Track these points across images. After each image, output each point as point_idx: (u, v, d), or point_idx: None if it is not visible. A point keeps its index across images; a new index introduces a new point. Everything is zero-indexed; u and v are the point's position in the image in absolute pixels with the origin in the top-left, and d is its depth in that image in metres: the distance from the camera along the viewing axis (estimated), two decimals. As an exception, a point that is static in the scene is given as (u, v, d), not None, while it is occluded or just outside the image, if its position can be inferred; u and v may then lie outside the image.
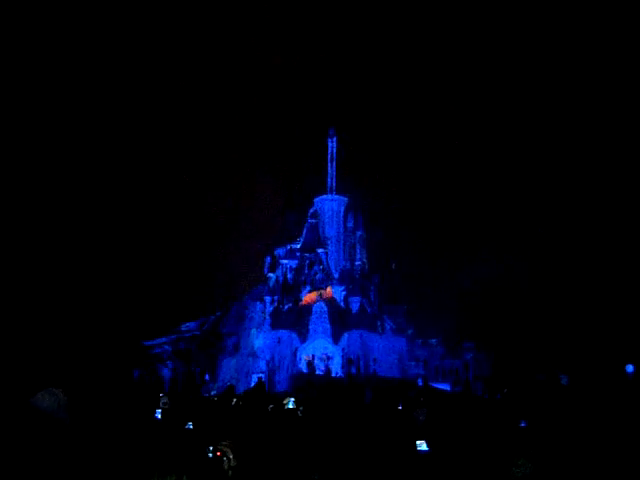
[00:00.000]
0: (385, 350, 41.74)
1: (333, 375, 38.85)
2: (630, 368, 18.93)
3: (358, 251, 49.03)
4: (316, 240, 48.36)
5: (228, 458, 3.98)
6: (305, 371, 39.51)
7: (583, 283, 42.47)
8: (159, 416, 8.12)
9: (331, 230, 50.00)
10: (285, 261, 47.71)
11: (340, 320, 43.37)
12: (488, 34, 55.58)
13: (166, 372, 40.04)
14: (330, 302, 44.33)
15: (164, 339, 42.39)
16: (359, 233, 49.42)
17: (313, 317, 42.84)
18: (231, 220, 51.29)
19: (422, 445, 5.68)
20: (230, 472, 3.92)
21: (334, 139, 51.72)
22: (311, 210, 50.18)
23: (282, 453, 4.91)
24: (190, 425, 7.82)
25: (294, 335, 41.92)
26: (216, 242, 50.50)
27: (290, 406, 12.44)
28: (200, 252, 50.36)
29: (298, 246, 48.39)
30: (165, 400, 12.02)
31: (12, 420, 3.97)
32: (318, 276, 45.78)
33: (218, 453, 3.94)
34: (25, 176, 46.37)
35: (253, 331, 42.52)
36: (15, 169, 44.52)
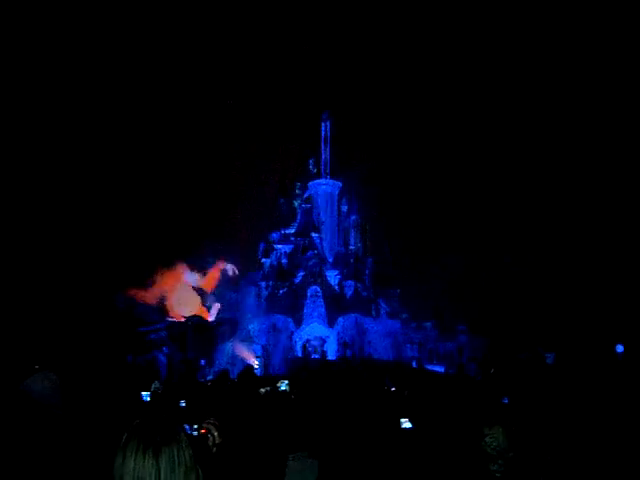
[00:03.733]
0: (380, 333, 42.00)
1: (328, 359, 39.16)
2: (620, 348, 19.09)
3: (352, 235, 49.10)
4: (310, 225, 48.37)
5: (212, 435, 4.06)
6: (300, 355, 39.80)
7: (573, 263, 42.72)
8: (147, 398, 8.21)
9: (325, 214, 50.03)
10: (279, 246, 47.77)
11: (335, 304, 43.59)
12: (484, 23, 55.30)
13: (161, 357, 40.20)
14: (325, 286, 44.53)
15: (159, 325, 42.51)
16: (353, 217, 49.45)
17: (308, 301, 43.03)
18: (224, 205, 51.18)
19: (406, 423, 5.83)
20: (214, 449, 4.00)
21: (327, 123, 51.55)
22: (305, 194, 50.15)
23: (268, 432, 5.01)
24: (183, 403, 7.97)
25: (289, 320, 42.13)
26: (210, 227, 50.40)
27: (283, 388, 12.58)
28: (194, 237, 50.26)
29: (292, 231, 48.42)
30: (157, 385, 12.13)
31: (2, 406, 3.99)
32: (312, 261, 45.87)
33: (203, 430, 4.02)
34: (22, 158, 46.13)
35: (248, 316, 42.69)
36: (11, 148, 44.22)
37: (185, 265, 48.97)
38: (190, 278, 49.24)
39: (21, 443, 3.68)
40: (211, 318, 46.32)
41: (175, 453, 2.21)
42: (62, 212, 46.00)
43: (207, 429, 4.20)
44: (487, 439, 3.03)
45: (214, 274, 50.14)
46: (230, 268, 50.38)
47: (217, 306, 47.79)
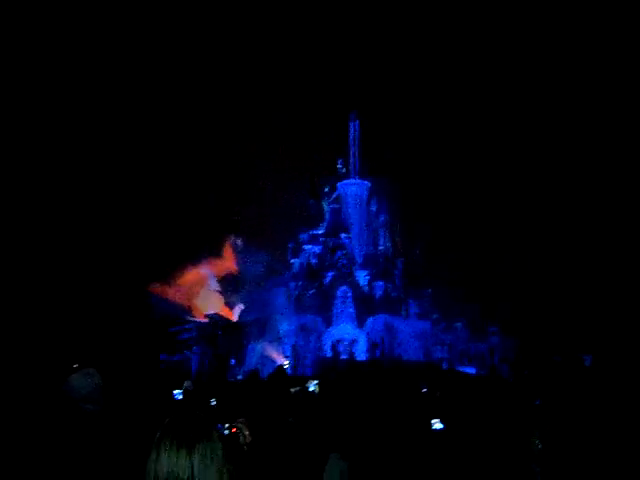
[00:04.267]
0: (410, 334, 41.75)
1: (357, 359, 39.13)
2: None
3: (382, 235, 48.97)
4: (339, 225, 48.45)
5: (244, 434, 4.09)
6: (330, 356, 39.81)
7: (613, 261, 41.84)
8: (179, 397, 8.30)
9: (354, 215, 50.01)
10: (308, 246, 47.86)
11: (364, 305, 43.51)
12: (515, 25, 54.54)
13: (193, 357, 40.64)
14: (354, 287, 44.49)
15: (190, 324, 42.99)
16: (383, 217, 49.34)
17: (337, 302, 43.03)
18: (252, 205, 51.42)
19: (437, 424, 5.77)
20: (245, 447, 4.04)
21: (356, 123, 51.55)
22: (334, 195, 50.19)
23: (297, 431, 5.02)
24: (214, 402, 8.04)
25: (318, 320, 42.16)
26: (238, 227, 50.72)
27: (311, 389, 12.61)
28: (221, 236, 50.62)
29: (321, 231, 48.49)
30: (189, 383, 12.29)
31: (44, 405, 4.03)
32: (342, 261, 45.87)
33: (233, 430, 4.06)
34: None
35: (277, 316, 42.84)
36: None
37: (210, 263, 49.39)
38: (211, 278, 49.69)
39: (63, 440, 3.72)
40: (234, 318, 46.74)
41: (208, 450, 2.23)
42: (95, 211, 46.69)
43: (238, 428, 4.24)
44: (533, 439, 3.00)
45: (228, 252, 50.45)
46: (237, 241, 50.60)
47: (240, 307, 48.14)
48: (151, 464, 2.30)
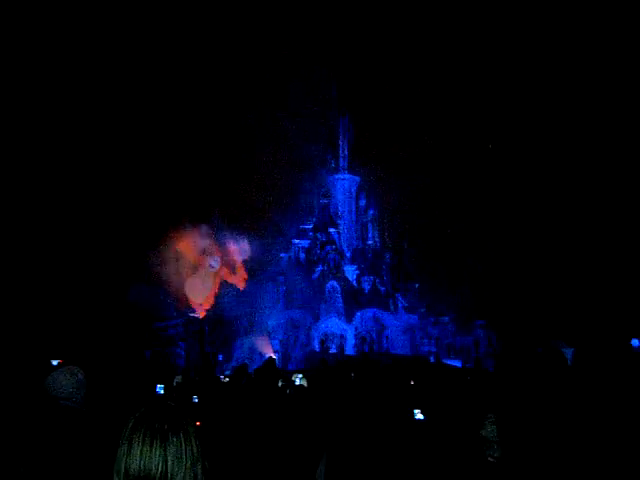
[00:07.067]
0: (398, 328, 41.99)
1: (346, 353, 39.23)
2: (636, 343, 18.40)
3: (370, 230, 49.14)
4: (328, 220, 48.48)
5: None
6: (318, 350, 39.89)
7: (597, 254, 42.14)
8: (161, 391, 8.27)
9: (343, 209, 50.11)
10: (297, 241, 47.86)
11: (353, 299, 43.65)
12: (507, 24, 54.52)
13: (179, 353, 40.49)
14: (343, 281, 44.60)
15: (177, 320, 42.70)
16: (371, 212, 49.49)
17: (326, 297, 43.14)
18: (241, 200, 51.17)
19: (418, 414, 5.83)
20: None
21: (346, 118, 51.58)
22: (323, 189, 50.18)
23: (280, 424, 5.03)
24: (195, 399, 8.02)
25: (307, 314, 42.22)
26: (227, 222, 50.34)
27: (297, 382, 12.61)
28: (210, 231, 50.16)
29: (310, 226, 48.49)
30: (179, 380, 12.27)
31: (25, 403, 3.98)
32: (330, 256, 45.93)
33: (197, 423, 4.04)
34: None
35: (266, 311, 42.82)
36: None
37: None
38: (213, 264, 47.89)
39: (43, 440, 3.67)
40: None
41: (183, 443, 2.16)
42: (74, 200, 45.90)
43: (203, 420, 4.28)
44: (487, 425, 3.04)
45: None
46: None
47: None
48: (121, 458, 2.21)
